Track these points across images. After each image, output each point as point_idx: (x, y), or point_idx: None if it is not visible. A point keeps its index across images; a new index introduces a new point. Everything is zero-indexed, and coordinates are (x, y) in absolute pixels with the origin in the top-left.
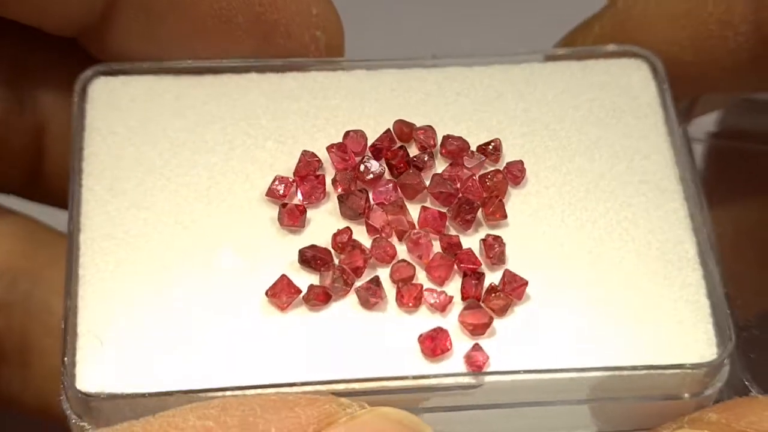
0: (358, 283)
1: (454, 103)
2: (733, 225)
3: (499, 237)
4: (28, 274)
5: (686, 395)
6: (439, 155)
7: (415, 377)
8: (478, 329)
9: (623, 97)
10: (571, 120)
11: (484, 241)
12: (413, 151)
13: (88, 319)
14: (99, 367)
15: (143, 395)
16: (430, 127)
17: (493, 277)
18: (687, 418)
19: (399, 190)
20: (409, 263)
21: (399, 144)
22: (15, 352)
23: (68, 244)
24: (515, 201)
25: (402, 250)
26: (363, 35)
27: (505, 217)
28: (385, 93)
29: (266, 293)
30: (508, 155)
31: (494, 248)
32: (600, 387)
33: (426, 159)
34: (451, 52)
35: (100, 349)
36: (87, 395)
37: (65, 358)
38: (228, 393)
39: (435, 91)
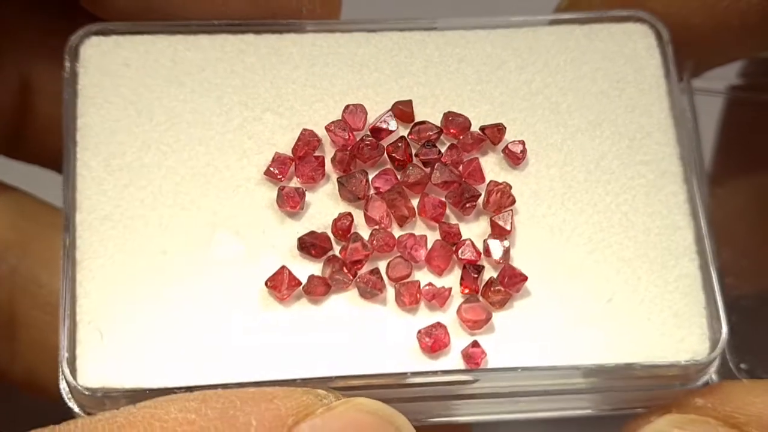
0: (360, 272)
1: (456, 71)
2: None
3: (504, 238)
4: (15, 248)
5: (678, 385)
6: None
7: (413, 374)
8: (476, 325)
9: (627, 66)
10: (574, 92)
11: (485, 243)
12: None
13: (87, 308)
14: (100, 361)
15: (145, 391)
16: (427, 123)
17: (494, 266)
18: (674, 402)
19: (401, 183)
20: (405, 260)
21: (399, 134)
22: (2, 325)
23: (64, 221)
24: (516, 182)
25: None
26: None
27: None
28: (385, 60)
29: (266, 283)
30: (510, 130)
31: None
32: (595, 380)
33: (431, 155)
34: (453, 12)
35: (100, 343)
36: (88, 390)
37: (65, 352)
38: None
39: (436, 58)
